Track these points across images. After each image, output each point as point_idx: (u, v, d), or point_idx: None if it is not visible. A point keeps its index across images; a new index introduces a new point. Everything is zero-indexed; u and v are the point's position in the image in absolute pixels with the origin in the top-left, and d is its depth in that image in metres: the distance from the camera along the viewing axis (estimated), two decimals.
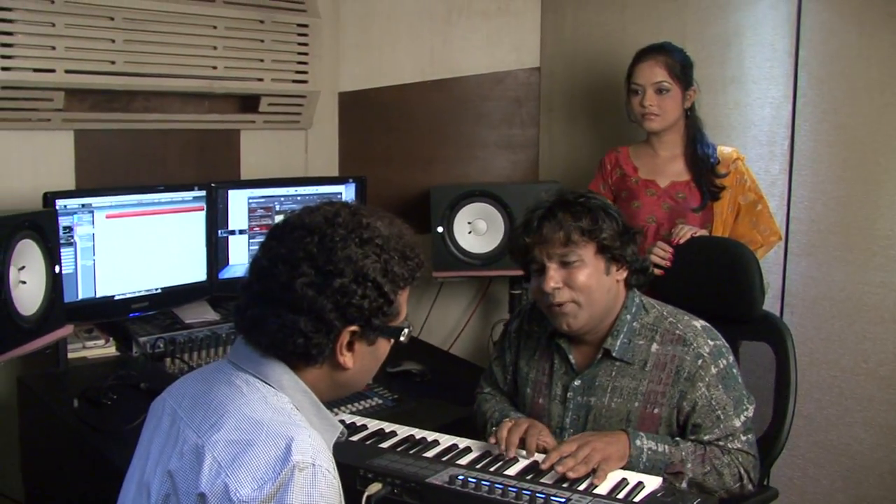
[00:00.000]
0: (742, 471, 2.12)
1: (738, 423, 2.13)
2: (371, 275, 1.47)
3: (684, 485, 2.06)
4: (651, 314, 2.23)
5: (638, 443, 2.07)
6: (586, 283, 2.12)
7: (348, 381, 1.56)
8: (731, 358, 2.19)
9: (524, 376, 2.35)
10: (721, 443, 2.12)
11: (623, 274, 2.20)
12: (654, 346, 2.18)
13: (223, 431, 1.41)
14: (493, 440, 2.14)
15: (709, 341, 2.17)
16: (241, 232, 3.25)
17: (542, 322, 2.31)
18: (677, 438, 2.14)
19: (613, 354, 2.18)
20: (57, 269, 2.60)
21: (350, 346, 1.50)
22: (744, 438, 2.14)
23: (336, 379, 1.54)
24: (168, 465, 1.44)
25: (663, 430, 2.15)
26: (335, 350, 1.49)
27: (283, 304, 1.46)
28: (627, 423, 2.16)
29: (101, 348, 2.92)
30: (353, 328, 1.48)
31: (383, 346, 1.57)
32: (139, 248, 2.99)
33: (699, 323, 2.22)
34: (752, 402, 2.19)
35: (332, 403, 2.55)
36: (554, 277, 2.12)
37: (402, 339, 1.58)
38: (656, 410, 2.15)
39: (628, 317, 2.21)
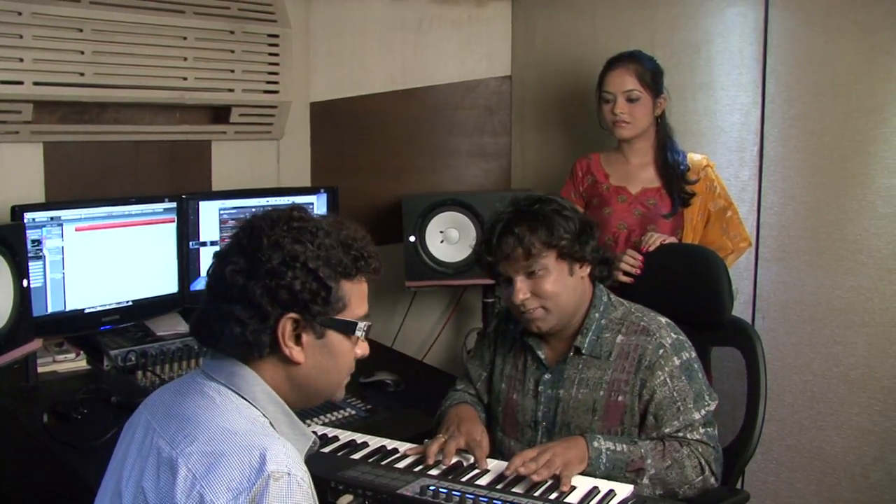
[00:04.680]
0: (703, 461, 2.14)
1: (697, 416, 2.17)
2: (301, 258, 1.47)
3: (646, 480, 2.09)
4: (619, 310, 2.30)
5: (595, 444, 2.10)
6: (553, 290, 2.19)
7: (306, 381, 1.54)
8: (694, 354, 2.24)
9: (500, 372, 2.41)
10: (680, 434, 2.15)
11: (586, 270, 2.26)
12: (620, 338, 2.24)
13: (197, 443, 1.40)
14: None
15: (671, 334, 2.23)
16: (213, 243, 3.24)
17: (517, 321, 2.36)
18: (635, 438, 2.17)
19: (582, 351, 2.24)
20: (25, 282, 2.58)
21: (298, 339, 1.50)
22: (703, 430, 2.17)
23: (293, 377, 1.52)
24: (141, 478, 1.43)
25: (628, 419, 2.19)
26: (278, 340, 1.48)
27: (220, 296, 1.49)
28: (594, 412, 2.20)
29: (72, 362, 2.89)
30: (292, 315, 1.47)
31: (338, 342, 1.54)
32: (109, 260, 2.97)
33: (664, 319, 2.29)
34: (714, 398, 2.22)
35: (304, 414, 2.56)
36: (522, 289, 2.19)
37: (357, 333, 1.55)
38: (620, 398, 2.19)
39: (596, 315, 2.27)
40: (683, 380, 2.17)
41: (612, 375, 2.21)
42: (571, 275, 2.22)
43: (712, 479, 2.17)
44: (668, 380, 2.17)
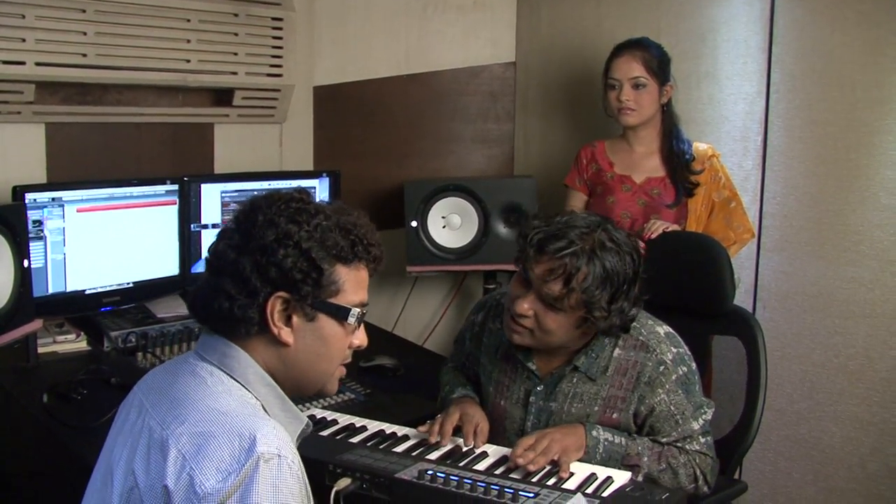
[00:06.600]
0: (698, 472, 2.11)
1: (696, 426, 2.12)
2: (295, 237, 1.46)
3: (640, 479, 2.06)
4: None
5: (594, 433, 2.08)
6: (552, 329, 2.06)
7: (296, 365, 1.52)
8: (693, 366, 2.17)
9: (487, 374, 2.34)
10: (679, 444, 2.12)
11: (593, 330, 2.11)
12: (617, 351, 2.15)
13: (187, 424, 1.39)
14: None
15: (672, 348, 2.15)
16: (214, 226, 3.23)
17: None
18: (634, 434, 2.14)
19: (580, 369, 2.16)
20: (26, 263, 2.58)
21: (288, 320, 1.49)
22: (702, 440, 2.14)
23: (284, 360, 1.51)
24: (133, 458, 1.43)
25: None
26: (266, 319, 1.47)
27: (213, 270, 1.51)
28: None
29: (72, 343, 2.89)
30: (282, 294, 1.46)
31: (329, 327, 1.52)
32: (111, 241, 2.97)
33: (663, 329, 2.19)
34: (711, 406, 2.18)
35: (304, 397, 2.56)
36: (527, 304, 2.05)
37: (350, 320, 1.52)
38: (615, 416, 2.14)
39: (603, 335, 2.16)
40: (681, 394, 2.11)
41: (608, 392, 2.14)
42: (577, 328, 2.08)
43: (705, 489, 2.14)
44: (667, 395, 2.11)
